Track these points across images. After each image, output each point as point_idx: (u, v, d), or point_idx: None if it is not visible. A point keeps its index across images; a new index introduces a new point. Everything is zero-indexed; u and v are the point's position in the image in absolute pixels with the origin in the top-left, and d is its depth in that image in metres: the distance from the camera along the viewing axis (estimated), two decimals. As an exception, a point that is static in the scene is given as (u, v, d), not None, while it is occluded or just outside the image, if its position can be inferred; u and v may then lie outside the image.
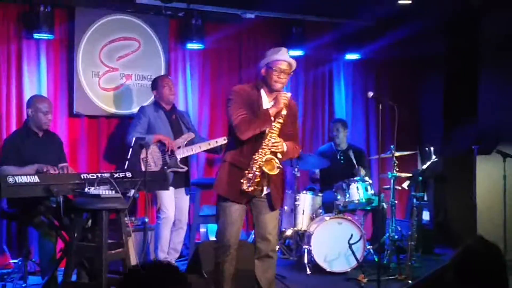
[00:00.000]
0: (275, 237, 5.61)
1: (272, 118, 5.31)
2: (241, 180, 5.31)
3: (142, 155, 6.83)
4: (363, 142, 9.50)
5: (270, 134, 5.33)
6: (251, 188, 5.32)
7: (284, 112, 5.34)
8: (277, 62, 5.37)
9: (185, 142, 7.26)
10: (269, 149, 5.31)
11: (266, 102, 5.44)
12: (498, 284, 2.97)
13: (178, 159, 7.14)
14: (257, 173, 5.30)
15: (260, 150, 5.31)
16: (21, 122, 7.03)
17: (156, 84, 7.34)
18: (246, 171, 5.31)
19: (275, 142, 5.32)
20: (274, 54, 5.41)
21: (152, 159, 7.00)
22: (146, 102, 7.98)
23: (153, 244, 7.25)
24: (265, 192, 5.47)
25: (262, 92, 5.45)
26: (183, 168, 7.22)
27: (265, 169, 5.30)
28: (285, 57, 5.42)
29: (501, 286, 2.99)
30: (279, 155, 5.35)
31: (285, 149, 5.38)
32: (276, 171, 5.33)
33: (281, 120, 5.34)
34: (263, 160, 5.29)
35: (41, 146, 6.46)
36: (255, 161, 5.31)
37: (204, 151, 7.48)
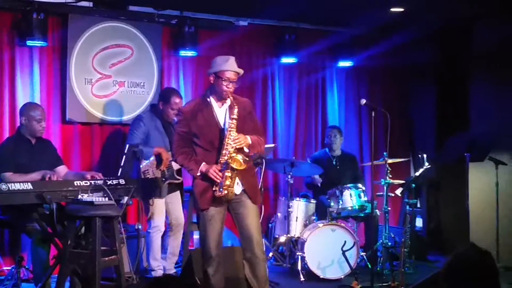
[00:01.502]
0: (258, 235, 5.64)
1: (202, 169, 5.47)
2: (213, 188, 5.44)
3: (143, 168, 6.84)
4: (356, 149, 9.52)
5: (228, 133, 5.46)
6: (224, 192, 5.42)
7: (235, 111, 5.47)
8: (226, 72, 5.53)
9: None
10: (232, 147, 5.43)
11: (217, 107, 5.62)
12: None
13: (175, 171, 7.14)
14: (226, 174, 5.40)
15: (223, 152, 5.45)
16: (14, 129, 7.01)
17: (166, 99, 7.16)
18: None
19: (236, 138, 5.44)
20: (222, 64, 5.57)
21: (152, 170, 6.98)
22: (139, 109, 8.00)
23: (145, 252, 7.25)
24: (239, 191, 5.55)
25: (212, 99, 5.63)
26: (179, 179, 7.22)
27: (234, 166, 5.38)
28: (234, 68, 5.57)
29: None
30: (246, 149, 5.48)
31: (249, 141, 5.51)
32: (244, 166, 5.43)
33: (235, 116, 5.47)
34: (229, 160, 5.40)
35: (34, 153, 6.44)
36: (222, 164, 5.44)
37: None
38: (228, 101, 5.57)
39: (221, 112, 5.61)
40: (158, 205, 7.10)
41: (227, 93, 5.53)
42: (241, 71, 5.62)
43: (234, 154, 5.41)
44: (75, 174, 6.59)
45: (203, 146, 5.55)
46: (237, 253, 6.22)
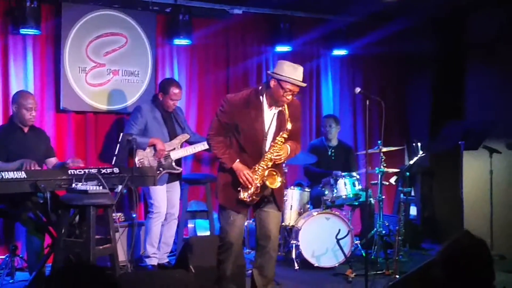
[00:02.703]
0: (277, 236, 5.62)
1: (233, 167, 5.33)
2: (239, 189, 5.33)
3: (137, 157, 6.85)
4: (350, 137, 9.53)
5: (273, 147, 5.34)
6: (249, 199, 5.34)
7: (289, 126, 5.31)
8: (290, 85, 5.28)
9: (180, 144, 7.26)
10: (271, 161, 5.34)
11: (266, 109, 5.40)
12: (484, 279, 2.99)
13: (173, 161, 7.13)
14: (258, 184, 5.31)
15: (261, 162, 5.34)
16: (8, 117, 6.99)
17: (165, 89, 7.19)
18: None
19: (278, 154, 5.33)
20: (290, 73, 5.28)
21: (147, 160, 7.00)
22: (133, 97, 7.99)
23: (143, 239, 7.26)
24: (268, 192, 5.47)
25: (264, 99, 5.40)
26: (178, 169, 7.23)
27: (268, 184, 5.31)
28: (299, 82, 5.30)
29: (487, 281, 3.00)
30: (280, 180, 5.38)
31: (287, 154, 5.40)
32: (278, 185, 5.36)
33: (285, 135, 5.34)
34: (266, 174, 5.30)
35: (26, 142, 6.42)
36: (256, 172, 5.32)
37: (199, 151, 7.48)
38: (275, 109, 5.38)
39: (269, 115, 5.40)
40: (160, 191, 7.12)
41: (284, 102, 5.32)
42: (304, 85, 5.39)
43: (272, 170, 5.32)
44: (57, 164, 6.52)
45: (241, 143, 5.38)
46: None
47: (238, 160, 5.35)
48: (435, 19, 9.19)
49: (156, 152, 7.04)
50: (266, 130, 5.37)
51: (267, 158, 5.33)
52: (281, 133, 5.34)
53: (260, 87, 5.45)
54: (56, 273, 2.52)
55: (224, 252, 5.50)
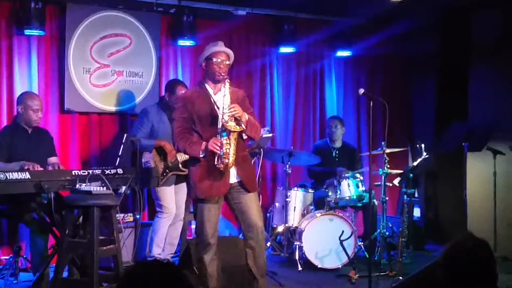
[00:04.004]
0: (260, 222, 5.67)
1: (202, 147, 5.45)
2: (215, 162, 5.39)
3: (144, 159, 6.88)
4: (354, 139, 9.52)
5: (222, 103, 5.46)
6: (226, 161, 5.38)
7: (228, 99, 5.46)
8: (215, 54, 5.60)
9: None
10: (227, 116, 5.41)
11: (213, 94, 5.62)
12: (487, 281, 2.99)
13: (180, 162, 7.15)
14: (224, 141, 5.38)
15: (219, 121, 5.44)
16: (12, 118, 7.01)
17: (171, 89, 7.25)
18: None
19: (231, 106, 5.43)
20: (211, 47, 5.65)
21: (153, 162, 7.02)
22: (137, 98, 8.01)
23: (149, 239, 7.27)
24: (234, 180, 5.56)
25: (207, 86, 5.65)
26: (184, 171, 7.23)
27: (228, 128, 5.38)
28: (223, 48, 5.66)
29: (490, 283, 3.00)
30: (243, 126, 5.46)
31: (245, 116, 5.50)
32: (239, 128, 5.44)
33: (228, 95, 5.48)
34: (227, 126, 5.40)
35: (30, 142, 6.43)
36: (218, 131, 5.44)
37: None
38: (223, 89, 5.53)
39: (218, 98, 5.59)
40: (169, 192, 7.16)
41: (220, 74, 5.55)
42: (230, 52, 5.69)
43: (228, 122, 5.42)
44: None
45: (202, 131, 5.53)
46: (239, 243, 6.25)
47: (203, 142, 5.47)
48: (439, 19, 9.18)
49: (160, 154, 7.05)
50: (219, 111, 5.50)
51: (223, 116, 5.42)
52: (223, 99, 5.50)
53: (201, 81, 5.77)
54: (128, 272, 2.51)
55: (203, 250, 5.60)
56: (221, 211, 5.73)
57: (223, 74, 5.56)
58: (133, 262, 6.82)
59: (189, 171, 5.72)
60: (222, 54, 5.61)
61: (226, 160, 5.40)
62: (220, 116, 5.43)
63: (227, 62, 5.64)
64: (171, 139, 7.11)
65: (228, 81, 5.54)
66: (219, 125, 5.42)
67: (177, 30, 8.30)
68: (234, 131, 5.42)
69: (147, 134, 7.10)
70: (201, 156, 5.48)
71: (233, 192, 5.60)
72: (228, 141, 5.41)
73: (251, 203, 5.63)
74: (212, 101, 5.57)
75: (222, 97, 5.53)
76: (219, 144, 5.38)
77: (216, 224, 5.64)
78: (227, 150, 5.40)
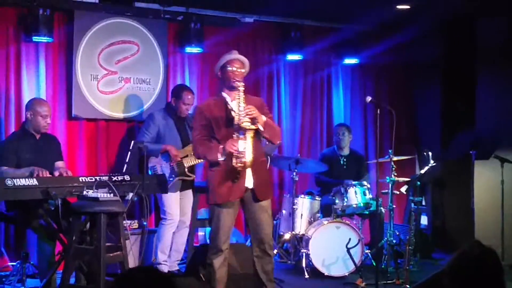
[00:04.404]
0: (270, 233, 5.74)
1: (220, 150, 5.49)
2: (232, 163, 5.42)
3: (150, 164, 6.92)
4: (361, 146, 9.51)
5: (237, 106, 5.51)
6: (243, 160, 5.41)
7: (242, 102, 5.51)
8: (230, 61, 5.70)
9: (193, 151, 7.27)
10: (243, 116, 5.44)
11: (229, 101, 5.67)
12: (495, 289, 2.98)
13: (186, 168, 7.16)
14: (240, 141, 5.42)
15: (235, 122, 5.49)
16: (20, 124, 7.02)
17: (178, 94, 7.28)
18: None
19: (247, 107, 5.47)
20: (226, 56, 5.77)
21: (160, 167, 7.04)
22: (145, 105, 8.02)
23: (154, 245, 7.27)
24: (251, 185, 5.58)
25: (224, 94, 5.72)
26: (190, 176, 7.25)
27: (244, 126, 5.42)
28: (237, 56, 5.77)
29: (498, 291, 2.99)
30: (260, 127, 5.50)
31: (263, 118, 5.53)
32: (254, 126, 5.47)
33: (242, 94, 5.54)
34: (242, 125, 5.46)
35: (38, 148, 6.45)
36: (235, 132, 5.49)
37: None
38: (241, 95, 5.58)
39: (235, 106, 5.63)
40: (173, 198, 7.16)
41: (235, 80, 5.60)
42: (245, 60, 5.77)
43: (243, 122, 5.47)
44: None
45: (220, 137, 5.57)
46: (245, 250, 6.28)
47: (220, 145, 5.52)
48: (444, 26, 9.18)
49: (169, 159, 7.08)
50: (235, 115, 5.56)
51: (239, 117, 5.46)
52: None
53: (219, 91, 5.84)
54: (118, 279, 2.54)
55: (214, 254, 5.61)
56: (236, 217, 5.76)
57: (238, 80, 5.59)
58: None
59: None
60: (237, 62, 5.71)
61: (244, 159, 5.43)
62: (236, 117, 5.48)
63: (242, 70, 5.71)
64: (177, 145, 7.16)
65: (243, 87, 5.58)
66: (237, 124, 5.47)
67: (184, 37, 8.31)
68: (249, 129, 5.46)
69: (154, 139, 7.13)
70: (220, 159, 5.51)
71: (247, 200, 5.64)
72: (244, 140, 5.45)
73: (263, 214, 5.67)
74: (229, 107, 5.63)
75: (237, 103, 5.58)
76: (235, 144, 5.42)
77: (230, 230, 5.70)
78: (244, 149, 5.44)
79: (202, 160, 7.39)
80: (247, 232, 7.97)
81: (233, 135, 5.47)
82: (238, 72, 5.66)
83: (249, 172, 5.55)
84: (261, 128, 5.51)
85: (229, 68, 5.65)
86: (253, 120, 5.47)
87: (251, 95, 5.87)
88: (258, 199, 5.64)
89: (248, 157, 5.46)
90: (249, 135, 5.48)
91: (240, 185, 5.54)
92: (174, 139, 7.21)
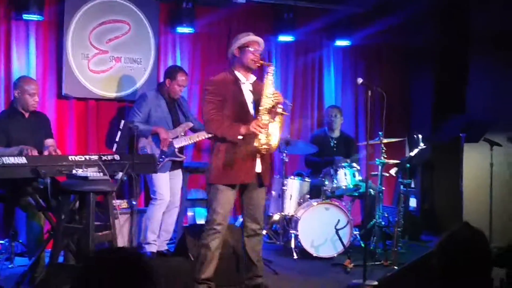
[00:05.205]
0: (262, 216, 5.83)
1: (242, 130, 5.50)
2: (255, 144, 5.45)
3: (140, 144, 6.90)
4: (352, 128, 9.52)
5: (266, 88, 5.57)
6: (269, 143, 5.46)
7: (271, 70, 5.65)
8: (252, 43, 5.69)
9: (184, 132, 7.27)
10: (271, 101, 5.52)
11: (244, 80, 5.70)
12: (482, 271, 2.99)
13: (176, 149, 7.15)
14: (270, 124, 5.47)
15: (261, 106, 5.52)
16: (9, 103, 6.99)
17: (172, 75, 7.24)
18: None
19: (275, 92, 5.56)
20: (246, 36, 5.71)
21: (150, 147, 7.03)
22: (135, 85, 8.00)
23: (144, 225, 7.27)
24: (259, 171, 5.62)
25: (237, 73, 5.70)
26: (181, 157, 7.25)
27: (279, 110, 5.50)
28: (257, 38, 5.74)
29: (485, 273, 3.01)
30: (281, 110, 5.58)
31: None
32: (286, 113, 5.65)
33: (270, 73, 5.65)
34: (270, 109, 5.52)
35: (27, 127, 6.41)
36: (261, 114, 5.50)
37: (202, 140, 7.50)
38: (253, 77, 5.71)
39: (247, 86, 5.71)
40: (163, 178, 7.14)
41: (256, 61, 5.65)
42: (262, 42, 5.78)
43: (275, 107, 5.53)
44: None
45: (233, 116, 5.58)
46: (234, 231, 6.31)
47: (241, 125, 5.53)
48: (438, 9, 9.16)
49: (159, 141, 7.06)
50: (249, 100, 5.67)
51: (265, 100, 5.52)
52: (266, 77, 5.64)
53: (230, 68, 5.79)
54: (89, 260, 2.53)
55: (211, 236, 5.61)
56: (234, 200, 5.76)
57: (258, 61, 5.66)
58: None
59: (213, 155, 5.68)
60: (257, 44, 5.72)
61: (271, 142, 5.48)
62: (268, 100, 5.51)
63: (261, 52, 5.77)
64: (168, 126, 7.14)
65: (273, 66, 5.72)
66: (264, 107, 5.49)
67: (176, 17, 8.28)
68: (282, 114, 5.53)
69: (145, 119, 7.11)
70: (239, 138, 5.50)
71: (252, 184, 5.69)
72: (274, 124, 5.50)
73: (261, 199, 5.77)
74: (243, 89, 5.67)
75: (250, 85, 5.70)
76: (261, 125, 5.43)
77: (230, 212, 5.78)
78: (274, 130, 5.49)
79: (192, 142, 7.39)
80: (236, 213, 7.98)
81: (258, 117, 5.48)
82: (258, 54, 5.69)
83: (258, 157, 5.60)
84: (286, 113, 5.66)
85: (252, 49, 5.64)
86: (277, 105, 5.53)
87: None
88: (263, 184, 5.70)
89: (275, 141, 5.50)
90: (279, 119, 5.52)
91: (251, 169, 5.58)
92: (165, 120, 7.20)
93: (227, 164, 5.54)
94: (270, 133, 5.47)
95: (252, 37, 5.71)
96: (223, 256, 5.86)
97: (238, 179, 5.59)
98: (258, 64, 5.69)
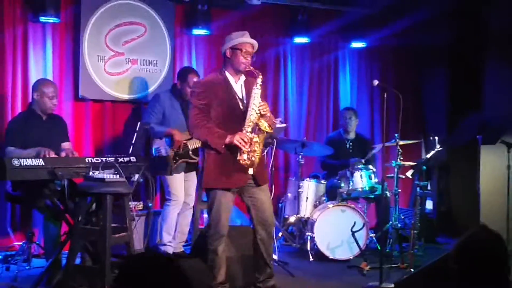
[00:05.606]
0: (271, 216, 5.78)
1: (226, 141, 5.43)
2: (238, 158, 5.41)
3: (154, 145, 6.91)
4: (367, 130, 9.50)
5: (252, 100, 5.48)
6: (252, 159, 5.42)
7: (259, 81, 5.54)
8: (244, 44, 5.59)
9: None
10: (256, 113, 5.45)
11: (233, 82, 5.64)
12: (500, 273, 2.98)
13: (190, 150, 7.15)
14: (254, 139, 5.41)
15: (247, 118, 5.46)
16: (27, 105, 7.02)
17: (183, 77, 7.24)
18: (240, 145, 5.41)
19: (261, 104, 5.47)
20: (239, 37, 5.62)
21: (164, 148, 7.04)
22: (151, 87, 8.03)
23: (160, 226, 7.29)
24: (250, 172, 5.58)
25: (227, 74, 5.65)
26: (195, 158, 7.24)
27: (263, 128, 5.41)
28: (251, 40, 5.64)
29: (503, 275, 2.99)
30: (274, 119, 5.61)
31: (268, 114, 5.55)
32: (271, 129, 5.51)
33: (259, 85, 5.53)
34: (256, 122, 5.44)
35: (45, 129, 6.44)
36: (246, 127, 5.45)
37: None
38: (243, 77, 5.62)
39: (238, 87, 5.64)
40: (178, 179, 7.16)
41: (246, 65, 5.57)
42: (256, 44, 5.67)
43: (261, 120, 5.45)
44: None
45: (222, 119, 5.55)
46: (250, 233, 6.29)
47: (228, 135, 5.46)
48: (453, 10, 9.12)
49: (173, 142, 7.07)
50: (240, 100, 5.60)
51: (251, 112, 5.46)
52: (254, 89, 5.51)
53: (221, 69, 5.74)
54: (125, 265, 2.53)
55: (216, 240, 5.63)
56: (234, 200, 5.77)
57: (246, 65, 5.57)
58: (145, 250, 6.84)
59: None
60: (250, 46, 5.63)
61: (253, 158, 5.43)
62: (253, 114, 5.44)
63: (252, 54, 5.64)
64: (182, 127, 7.14)
65: (261, 81, 5.56)
66: (250, 119, 5.43)
67: (191, 19, 8.30)
68: (265, 131, 5.46)
69: (160, 120, 7.10)
70: (223, 147, 5.47)
71: (247, 188, 5.65)
72: (257, 139, 5.44)
73: (265, 197, 5.70)
74: (233, 89, 5.61)
75: (241, 86, 5.62)
76: (246, 140, 5.39)
77: (230, 214, 5.73)
78: (256, 148, 5.43)
79: None
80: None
81: (243, 130, 5.44)
82: (250, 57, 5.59)
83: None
84: (270, 131, 5.54)
85: (243, 51, 5.57)
86: (264, 117, 5.47)
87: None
88: (259, 184, 5.67)
89: (257, 158, 5.47)
90: (263, 135, 5.48)
91: (244, 172, 5.54)
92: (179, 121, 7.20)
93: (219, 168, 5.54)
94: (253, 150, 5.43)
95: (245, 38, 5.62)
96: (236, 258, 5.86)
97: (231, 183, 5.57)
98: (248, 70, 5.60)
